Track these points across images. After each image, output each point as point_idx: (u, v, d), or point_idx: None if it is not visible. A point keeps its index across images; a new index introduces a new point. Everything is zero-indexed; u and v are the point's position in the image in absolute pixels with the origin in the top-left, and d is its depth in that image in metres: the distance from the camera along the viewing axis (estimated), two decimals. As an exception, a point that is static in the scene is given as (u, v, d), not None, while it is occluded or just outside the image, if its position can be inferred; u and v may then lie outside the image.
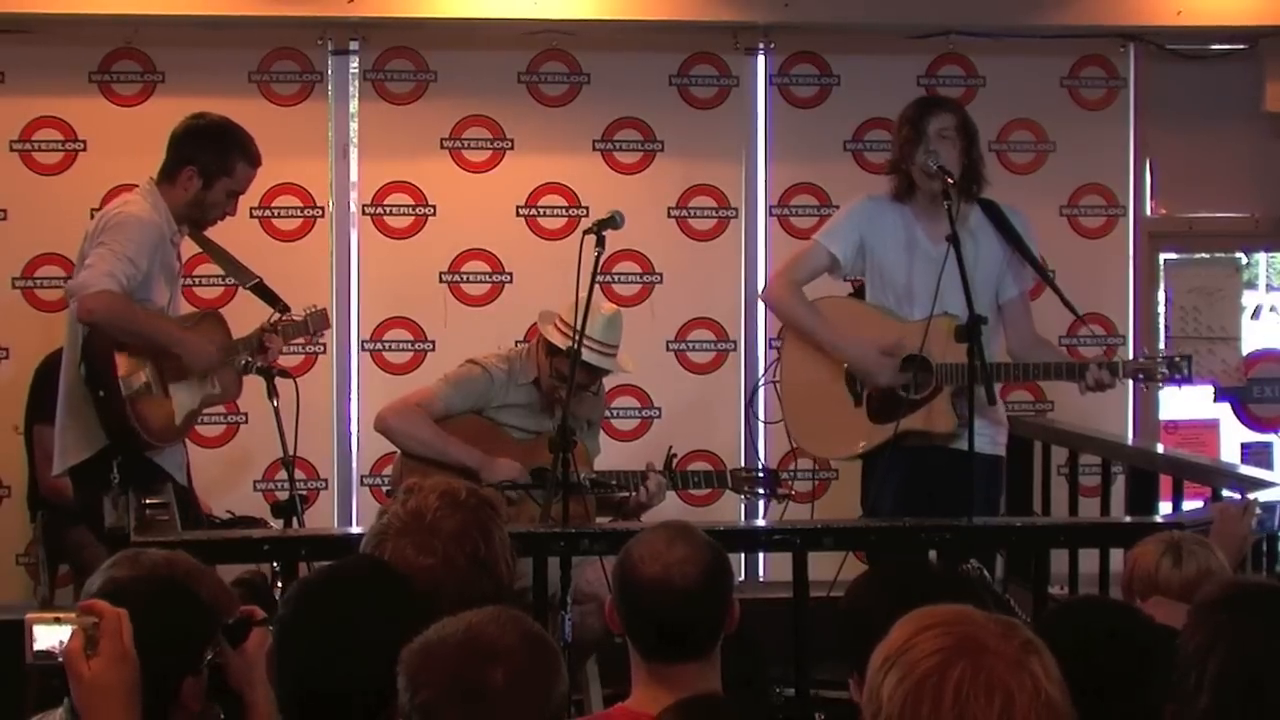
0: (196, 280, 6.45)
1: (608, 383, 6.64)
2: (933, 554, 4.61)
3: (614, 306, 5.57)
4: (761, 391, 5.61)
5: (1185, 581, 3.53)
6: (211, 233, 5.42)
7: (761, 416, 5.81)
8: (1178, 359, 5.27)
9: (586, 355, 5.12)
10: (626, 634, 3.11)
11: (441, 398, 5.47)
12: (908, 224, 5.36)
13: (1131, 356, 7.01)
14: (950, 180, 5.15)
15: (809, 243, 5.58)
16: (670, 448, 5.58)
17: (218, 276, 5.91)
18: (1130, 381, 5.57)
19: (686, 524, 3.26)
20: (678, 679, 3.00)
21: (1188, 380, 5.30)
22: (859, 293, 5.53)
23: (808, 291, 5.48)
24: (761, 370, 5.70)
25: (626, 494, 5.41)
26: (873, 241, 5.38)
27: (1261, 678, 2.44)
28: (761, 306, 6.75)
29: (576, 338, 4.93)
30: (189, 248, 5.52)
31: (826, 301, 5.49)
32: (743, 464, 6.33)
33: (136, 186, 5.24)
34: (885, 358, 5.28)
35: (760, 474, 5.64)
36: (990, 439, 5.21)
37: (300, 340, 5.71)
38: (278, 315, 5.38)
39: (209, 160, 5.16)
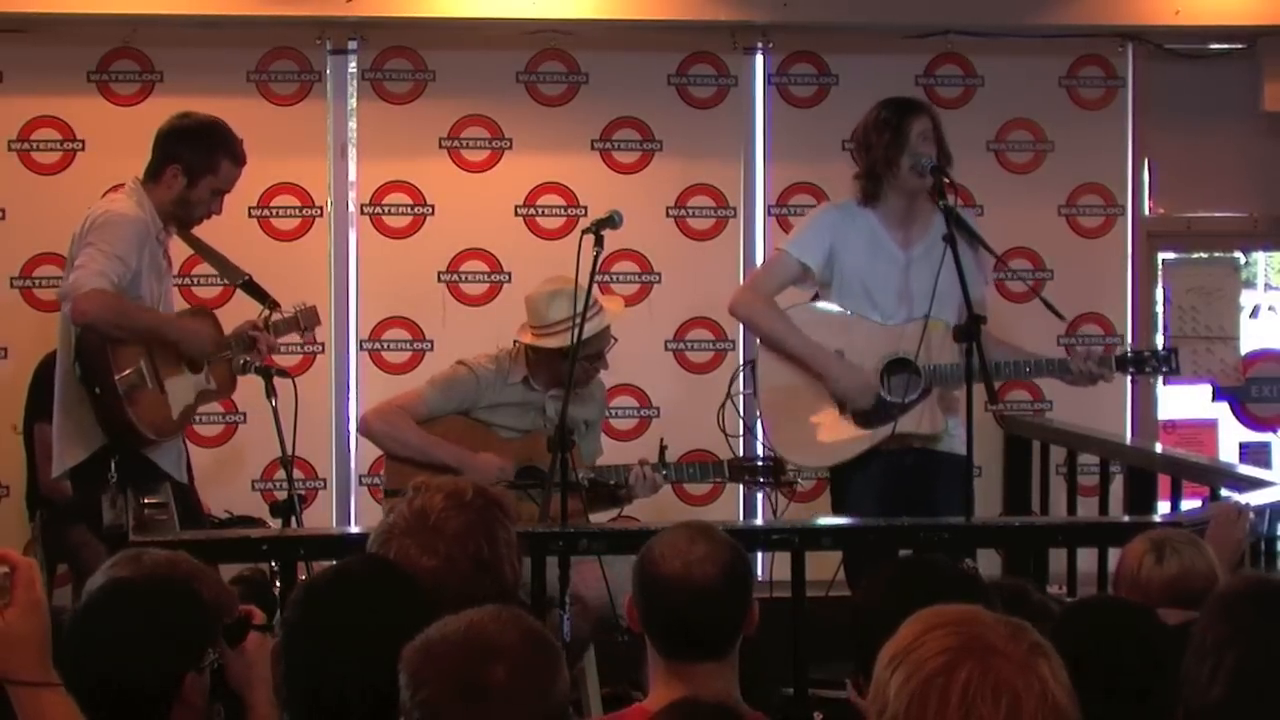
0: (194, 280, 6.46)
1: (606, 381, 6.67)
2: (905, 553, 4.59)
3: (557, 279, 5.49)
4: (728, 406, 5.51)
5: (1166, 580, 3.51)
6: (211, 231, 5.42)
7: (729, 431, 5.69)
8: (1164, 352, 5.29)
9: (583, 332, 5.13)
10: (645, 632, 3.10)
11: (425, 400, 5.50)
12: (875, 230, 5.33)
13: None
14: (948, 180, 5.15)
15: (776, 254, 5.55)
16: (661, 439, 5.57)
17: (214, 276, 5.91)
18: (1127, 378, 5.59)
19: (707, 523, 3.27)
20: (696, 678, 3.00)
21: (1174, 371, 5.30)
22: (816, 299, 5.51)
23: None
24: (729, 387, 5.60)
25: (622, 489, 5.42)
26: (842, 249, 5.33)
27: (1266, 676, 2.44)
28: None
29: (576, 334, 4.94)
30: (183, 248, 5.53)
31: (803, 311, 5.45)
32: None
33: (123, 185, 5.25)
34: (867, 381, 5.26)
35: (760, 463, 5.60)
36: (961, 439, 5.21)
37: (292, 337, 5.71)
38: (267, 312, 5.39)
39: (193, 159, 5.16)
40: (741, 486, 6.93)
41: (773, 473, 5.51)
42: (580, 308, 5.27)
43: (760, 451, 5.83)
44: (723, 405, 5.51)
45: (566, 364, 5.29)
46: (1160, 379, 7.15)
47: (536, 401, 5.51)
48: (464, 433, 5.46)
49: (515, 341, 5.57)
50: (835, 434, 5.32)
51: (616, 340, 5.55)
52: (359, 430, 5.87)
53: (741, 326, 6.93)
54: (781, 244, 5.56)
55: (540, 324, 5.44)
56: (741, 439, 5.65)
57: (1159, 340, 7.21)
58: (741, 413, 5.64)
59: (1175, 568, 3.52)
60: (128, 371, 4.99)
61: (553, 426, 5.35)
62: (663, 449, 5.49)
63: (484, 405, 5.50)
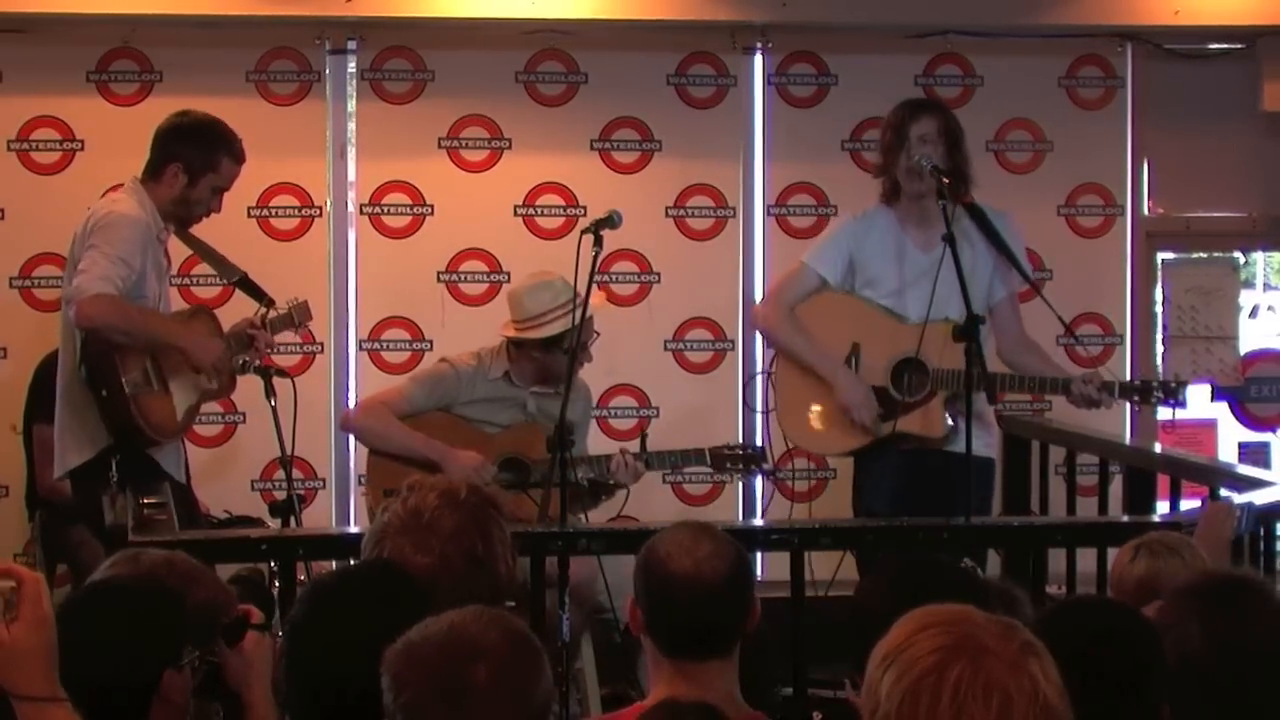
0: (193, 280, 6.46)
1: (606, 382, 6.68)
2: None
3: (539, 274, 5.60)
4: (759, 382, 5.63)
5: (1136, 580, 3.55)
6: (210, 231, 5.43)
7: (759, 407, 5.82)
8: (1173, 383, 5.28)
9: (565, 323, 5.23)
10: (648, 632, 3.10)
11: (407, 397, 5.56)
12: (896, 234, 5.41)
13: (1129, 363, 7.05)
14: (946, 181, 5.16)
15: (796, 265, 5.60)
16: (642, 428, 5.59)
17: (213, 276, 5.91)
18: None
19: (706, 522, 3.28)
20: (702, 677, 3.01)
21: (1180, 405, 5.30)
22: None
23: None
24: (759, 364, 5.72)
25: (608, 482, 5.45)
26: (862, 260, 5.45)
27: (1203, 666, 2.48)
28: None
29: (576, 316, 4.98)
30: (180, 247, 5.53)
31: (826, 298, 5.49)
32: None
33: (123, 185, 5.25)
34: (864, 397, 5.31)
35: (742, 451, 5.61)
36: (984, 442, 5.23)
37: (287, 333, 5.71)
38: (263, 310, 5.40)
39: (193, 157, 5.17)
40: (741, 487, 6.95)
41: (753, 461, 5.53)
42: (564, 299, 5.34)
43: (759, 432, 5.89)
44: (752, 379, 5.60)
45: (552, 357, 5.39)
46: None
47: (517, 397, 5.56)
48: (445, 428, 5.51)
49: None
50: (837, 425, 5.43)
51: (599, 334, 5.56)
52: (341, 426, 5.93)
53: (741, 326, 6.97)
54: (804, 255, 5.62)
55: (522, 317, 5.50)
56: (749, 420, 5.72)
57: (1158, 341, 7.22)
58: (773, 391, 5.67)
59: (1143, 569, 3.55)
60: (134, 373, 4.99)
61: (533, 421, 5.41)
62: (644, 436, 5.53)
63: (464, 401, 5.55)
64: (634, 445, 5.55)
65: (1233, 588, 2.86)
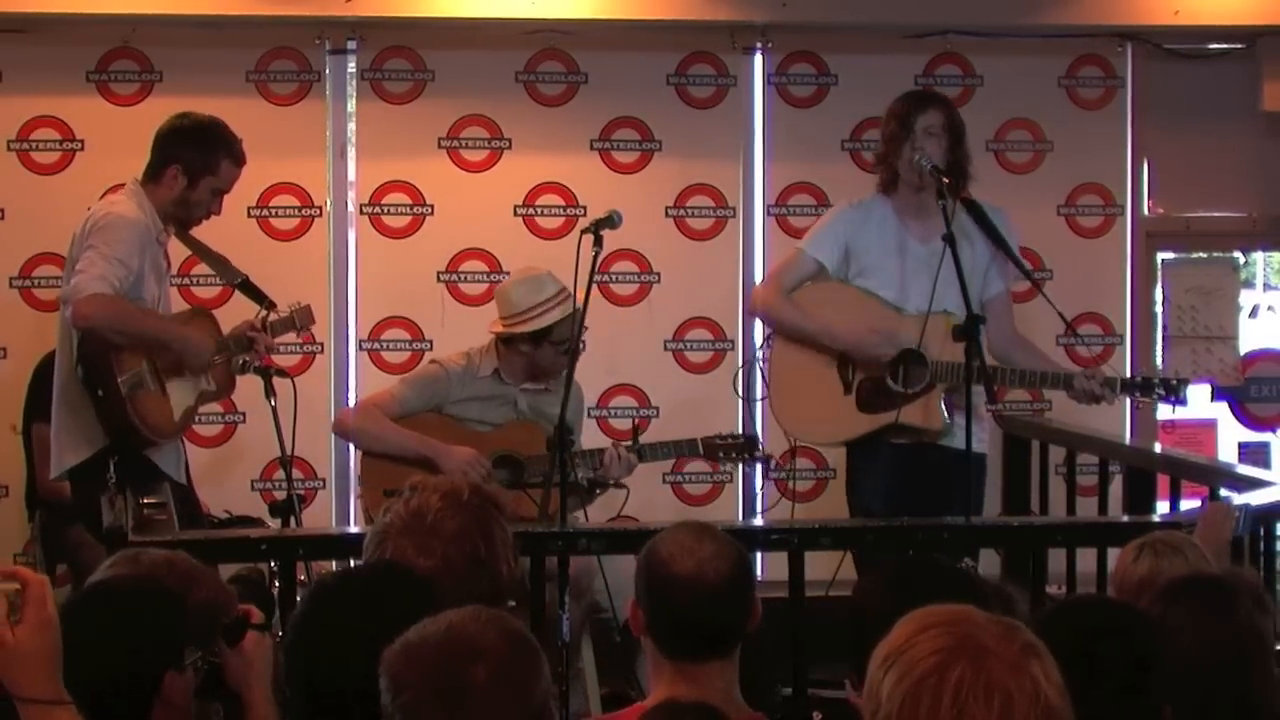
0: (193, 280, 6.46)
1: (606, 381, 6.68)
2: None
3: (526, 270, 5.66)
4: (756, 369, 5.62)
5: (1139, 580, 3.55)
6: (210, 230, 5.43)
7: (757, 395, 5.80)
8: (1174, 380, 5.27)
9: (553, 316, 5.33)
10: (649, 633, 3.10)
11: (397, 398, 5.57)
12: (893, 224, 5.40)
13: (1129, 362, 7.05)
14: (947, 181, 5.17)
15: (794, 252, 5.59)
16: (634, 419, 5.58)
17: (213, 277, 5.91)
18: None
19: (708, 523, 3.28)
20: (702, 677, 3.01)
21: (1181, 403, 5.30)
22: None
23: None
24: (759, 348, 5.70)
25: (608, 482, 5.45)
26: (858, 248, 5.42)
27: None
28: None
29: (575, 334, 4.98)
30: (181, 248, 5.53)
31: (822, 286, 5.48)
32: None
33: (123, 186, 5.25)
34: (881, 335, 5.30)
35: (736, 439, 5.60)
36: (977, 438, 5.23)
37: (289, 336, 5.71)
38: (264, 312, 5.40)
39: (193, 159, 5.17)
40: (741, 488, 6.95)
41: (746, 450, 5.53)
42: (551, 293, 5.36)
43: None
44: (750, 367, 5.60)
45: (541, 352, 5.41)
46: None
47: (508, 395, 5.56)
48: (437, 428, 5.52)
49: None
50: (836, 415, 5.41)
51: (588, 327, 5.56)
52: (334, 429, 5.95)
53: (740, 326, 6.97)
54: (799, 242, 5.62)
55: (509, 313, 5.51)
56: (757, 404, 5.73)
57: (1158, 340, 7.22)
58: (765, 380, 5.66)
59: (1146, 568, 3.55)
60: (130, 373, 5.00)
61: (524, 419, 5.44)
62: (636, 429, 5.53)
63: (455, 400, 5.56)
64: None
65: (1188, 587, 2.88)
